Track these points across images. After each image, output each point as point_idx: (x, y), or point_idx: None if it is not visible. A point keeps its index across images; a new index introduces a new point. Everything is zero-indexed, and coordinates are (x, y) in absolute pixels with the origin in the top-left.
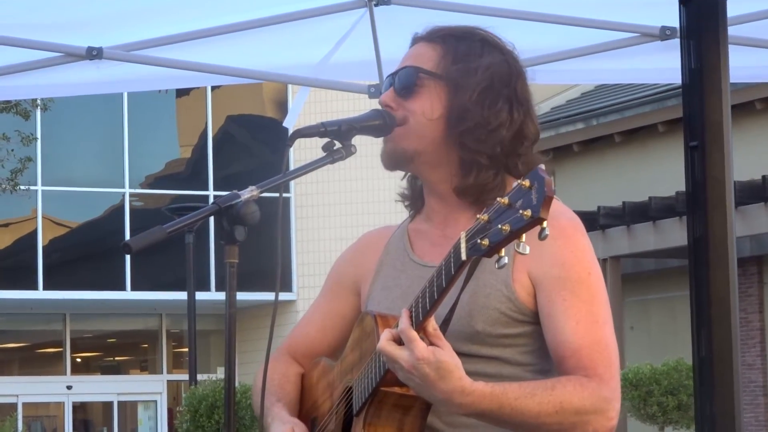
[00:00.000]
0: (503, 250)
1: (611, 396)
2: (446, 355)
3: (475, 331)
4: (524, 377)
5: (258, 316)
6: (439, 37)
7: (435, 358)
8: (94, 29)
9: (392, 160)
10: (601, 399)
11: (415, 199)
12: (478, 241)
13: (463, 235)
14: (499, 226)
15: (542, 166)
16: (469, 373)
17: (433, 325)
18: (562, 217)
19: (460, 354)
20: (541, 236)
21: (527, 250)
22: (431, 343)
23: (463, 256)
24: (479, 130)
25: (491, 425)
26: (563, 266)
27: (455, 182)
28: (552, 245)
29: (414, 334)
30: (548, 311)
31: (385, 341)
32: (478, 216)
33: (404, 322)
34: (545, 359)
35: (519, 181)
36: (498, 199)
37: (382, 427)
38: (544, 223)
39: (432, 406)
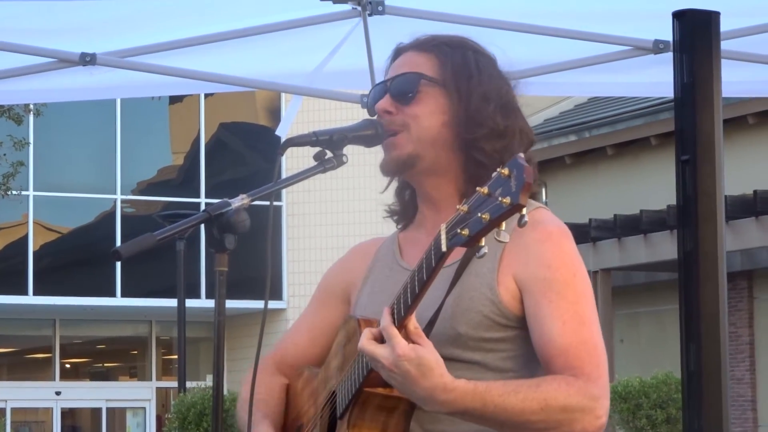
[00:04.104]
0: (483, 240)
1: (599, 393)
2: (427, 352)
3: (458, 333)
4: None
5: (248, 324)
6: (432, 46)
7: (416, 355)
8: (87, 35)
9: (394, 167)
10: (589, 397)
11: (403, 212)
12: (458, 231)
13: (443, 227)
14: (479, 215)
15: (521, 155)
16: None
17: (414, 323)
18: (550, 223)
19: (442, 358)
20: (521, 223)
21: (507, 238)
22: (412, 341)
23: (444, 248)
24: (494, 137)
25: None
26: (549, 268)
27: (460, 187)
28: (539, 248)
29: (395, 331)
30: (535, 312)
31: (365, 340)
32: (458, 207)
33: (385, 320)
34: (527, 367)
35: (499, 169)
36: (478, 189)
37: (367, 429)
38: (524, 210)
39: (415, 409)
